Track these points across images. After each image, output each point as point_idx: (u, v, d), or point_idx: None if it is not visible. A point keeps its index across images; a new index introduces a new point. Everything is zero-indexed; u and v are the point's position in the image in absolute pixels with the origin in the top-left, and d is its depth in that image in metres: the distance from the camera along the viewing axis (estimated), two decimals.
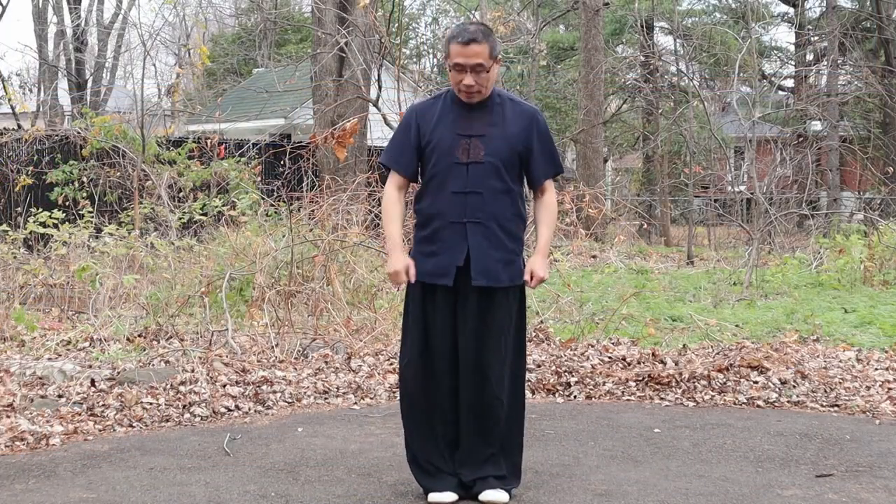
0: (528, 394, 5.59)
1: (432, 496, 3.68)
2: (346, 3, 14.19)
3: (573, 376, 5.83)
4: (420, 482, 3.74)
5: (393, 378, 5.68)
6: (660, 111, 22.92)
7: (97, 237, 9.67)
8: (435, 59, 36.75)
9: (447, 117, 3.69)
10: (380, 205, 8.80)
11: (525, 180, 3.79)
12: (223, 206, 11.00)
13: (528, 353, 6.26)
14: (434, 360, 3.68)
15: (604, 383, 5.74)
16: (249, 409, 5.24)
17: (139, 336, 6.83)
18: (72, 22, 25.29)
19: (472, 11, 22.22)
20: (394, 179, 3.78)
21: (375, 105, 11.46)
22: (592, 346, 6.57)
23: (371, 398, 5.54)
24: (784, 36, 56.31)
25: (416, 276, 3.67)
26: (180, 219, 11.27)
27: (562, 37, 30.01)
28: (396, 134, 3.81)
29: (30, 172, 13.62)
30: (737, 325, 7.79)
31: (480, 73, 3.60)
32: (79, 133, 13.67)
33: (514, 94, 3.81)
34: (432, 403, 3.70)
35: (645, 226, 20.34)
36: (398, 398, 3.90)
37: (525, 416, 3.81)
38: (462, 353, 3.67)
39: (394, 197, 3.76)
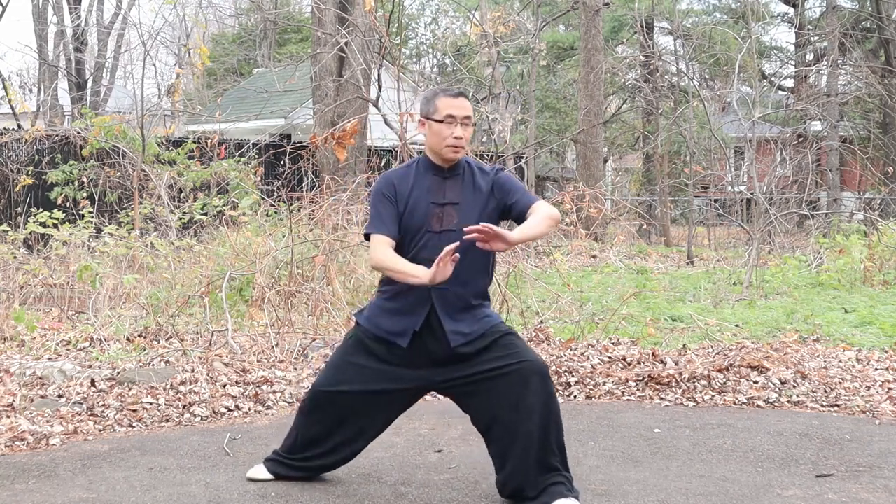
0: None
1: (251, 472, 3.95)
2: (346, 3, 14.20)
3: (573, 376, 5.83)
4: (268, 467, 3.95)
5: None
6: (660, 111, 22.92)
7: (97, 237, 9.68)
8: (435, 59, 36.78)
9: (421, 185, 3.68)
10: None
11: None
12: (223, 206, 11.01)
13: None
14: (341, 403, 3.75)
15: (604, 383, 5.74)
16: (249, 409, 5.24)
17: (139, 336, 6.84)
18: (72, 22, 25.28)
19: (472, 11, 22.23)
20: (380, 240, 3.63)
21: (375, 105, 11.45)
22: (592, 346, 6.56)
23: None
24: (784, 36, 56.34)
25: (372, 328, 3.70)
26: (180, 219, 11.28)
27: (562, 37, 30.03)
28: (375, 205, 3.69)
29: (30, 172, 13.65)
30: (737, 325, 7.79)
31: (468, 126, 3.66)
32: (79, 133, 13.69)
33: (471, 157, 3.82)
34: (334, 425, 3.79)
35: (645, 226, 20.36)
36: (300, 406, 3.93)
37: (557, 416, 3.64)
38: (499, 433, 3.62)
39: (386, 247, 3.62)
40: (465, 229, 3.42)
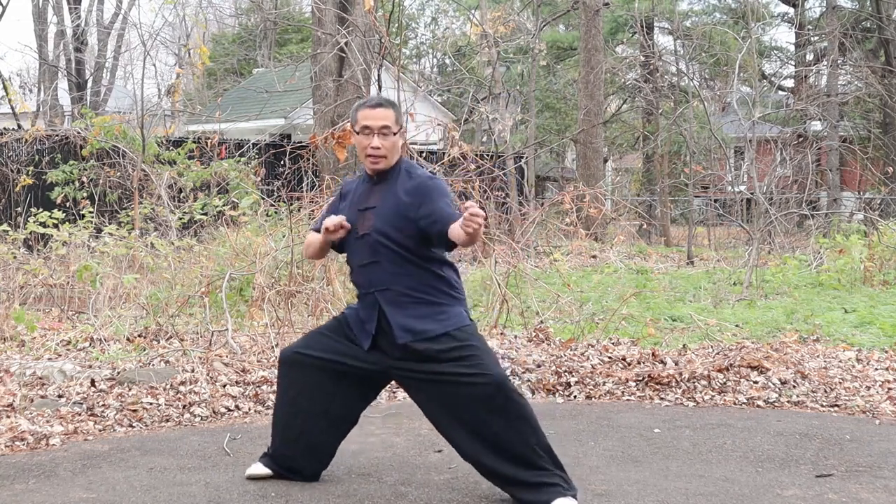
0: (528, 393, 5.60)
1: (249, 470, 3.99)
2: (346, 3, 14.20)
3: (573, 376, 5.83)
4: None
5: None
6: (660, 111, 22.92)
7: (97, 237, 9.67)
8: (435, 59, 36.77)
9: (355, 194, 3.83)
10: None
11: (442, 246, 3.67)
12: (223, 206, 11.01)
13: (528, 353, 6.29)
14: (308, 368, 3.83)
15: (604, 383, 5.74)
16: (249, 409, 5.24)
17: (139, 336, 6.84)
18: (72, 22, 25.26)
19: (472, 11, 22.23)
20: (309, 236, 4.00)
21: None
22: (592, 346, 6.56)
23: None
24: (784, 36, 56.37)
25: (350, 321, 3.80)
26: (180, 219, 11.27)
27: (562, 37, 30.02)
28: (329, 206, 4.01)
29: (30, 172, 13.63)
30: (737, 325, 7.79)
31: (387, 136, 3.69)
32: (79, 133, 13.67)
33: (413, 162, 3.87)
34: (299, 400, 3.86)
35: (645, 226, 20.35)
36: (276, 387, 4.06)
37: (529, 422, 3.63)
38: (456, 440, 3.70)
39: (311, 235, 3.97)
40: (463, 212, 3.35)
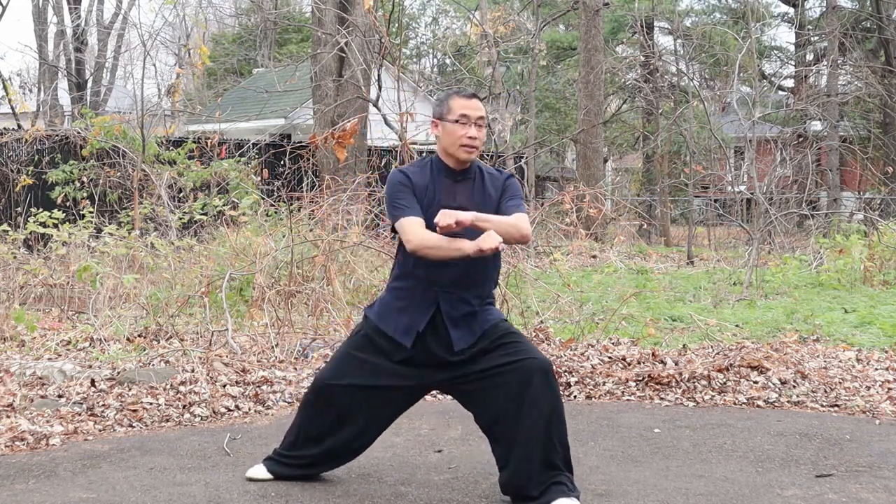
0: None
1: (250, 472, 3.96)
2: (346, 3, 14.21)
3: (573, 376, 5.83)
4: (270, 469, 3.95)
5: None
6: (660, 111, 22.91)
7: (97, 237, 9.68)
8: (435, 59, 36.78)
9: (433, 187, 3.70)
10: (380, 205, 8.81)
11: None
12: (223, 206, 11.01)
13: None
14: (345, 396, 3.76)
15: (604, 383, 5.74)
16: (249, 409, 5.24)
17: (139, 336, 6.84)
18: (72, 22, 25.28)
19: (472, 11, 22.23)
20: (415, 222, 3.60)
21: (375, 105, 11.46)
22: (592, 346, 6.56)
23: None
24: (784, 36, 56.39)
25: (380, 324, 3.72)
26: (180, 219, 11.28)
27: (562, 37, 30.03)
28: (396, 195, 3.66)
29: (30, 172, 13.64)
30: (737, 325, 7.79)
31: (481, 127, 3.68)
32: (79, 133, 13.68)
33: (483, 163, 3.87)
34: (333, 422, 3.81)
35: (645, 226, 20.36)
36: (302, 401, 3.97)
37: (559, 415, 3.65)
38: (504, 429, 3.62)
39: (423, 227, 3.59)
40: (436, 225, 3.46)
